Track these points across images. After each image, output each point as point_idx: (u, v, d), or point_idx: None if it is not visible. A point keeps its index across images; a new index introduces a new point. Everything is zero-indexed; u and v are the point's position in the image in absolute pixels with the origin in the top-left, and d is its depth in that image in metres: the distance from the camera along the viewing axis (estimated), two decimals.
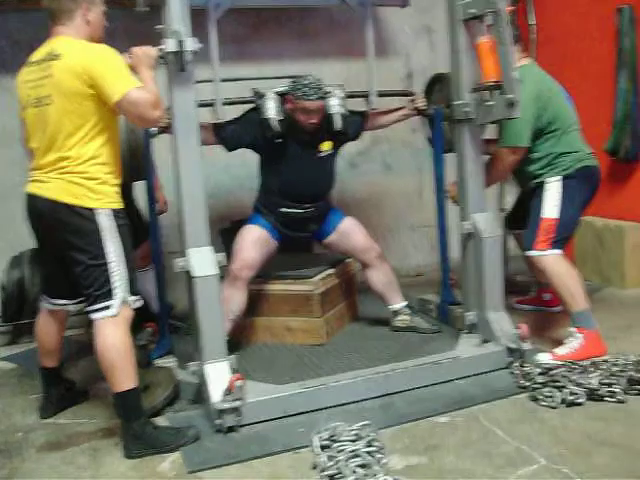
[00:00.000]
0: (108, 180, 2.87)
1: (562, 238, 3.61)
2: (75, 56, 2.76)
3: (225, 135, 3.73)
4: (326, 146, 3.86)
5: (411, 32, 5.63)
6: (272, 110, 3.68)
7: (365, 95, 4.22)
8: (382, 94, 4.18)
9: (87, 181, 2.81)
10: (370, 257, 4.00)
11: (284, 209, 3.84)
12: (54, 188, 2.82)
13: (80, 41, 2.84)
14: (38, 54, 2.89)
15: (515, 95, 3.15)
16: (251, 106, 3.81)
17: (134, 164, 3.56)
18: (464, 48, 3.52)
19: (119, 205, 2.92)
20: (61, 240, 2.85)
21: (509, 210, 4.38)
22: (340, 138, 3.92)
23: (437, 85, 4.13)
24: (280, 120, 3.68)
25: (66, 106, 2.77)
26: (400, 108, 4.09)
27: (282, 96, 3.73)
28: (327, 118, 3.79)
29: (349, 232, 4.01)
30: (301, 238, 4.03)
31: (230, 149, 3.82)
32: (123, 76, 2.75)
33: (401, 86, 4.82)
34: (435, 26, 5.55)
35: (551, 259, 3.58)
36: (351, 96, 3.98)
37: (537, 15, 5.54)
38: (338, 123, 3.79)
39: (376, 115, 4.11)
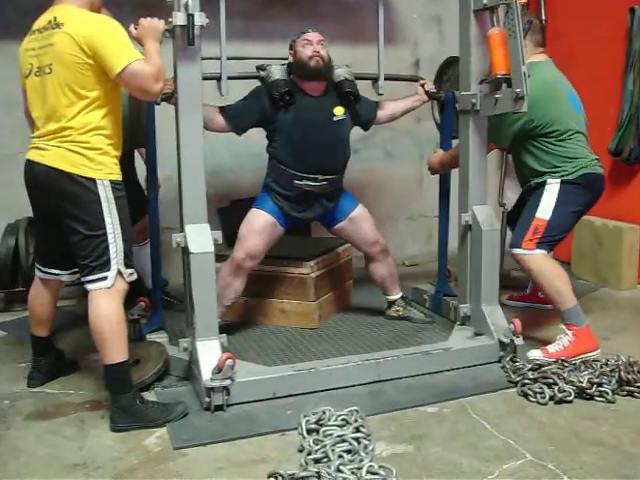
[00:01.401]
0: (109, 151, 2.86)
1: (549, 241, 3.57)
2: (77, 26, 2.74)
3: (234, 113, 3.64)
4: (339, 111, 3.76)
5: (421, 21, 5.62)
6: (277, 73, 3.67)
7: (373, 78, 4.17)
8: (390, 78, 4.13)
9: (88, 151, 2.79)
10: (375, 251, 3.96)
11: (297, 181, 3.69)
12: (54, 155, 2.80)
13: (83, 10, 2.82)
14: (40, 22, 2.87)
15: (523, 89, 3.12)
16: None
17: (135, 130, 3.49)
18: (474, 39, 3.49)
19: (118, 177, 2.91)
20: (58, 208, 2.83)
21: (511, 207, 4.35)
22: (351, 104, 3.81)
23: (449, 69, 4.13)
24: (285, 81, 3.65)
25: (66, 75, 2.75)
26: (410, 96, 4.05)
27: (285, 67, 3.72)
28: (335, 85, 3.75)
29: (360, 222, 3.92)
30: (308, 221, 3.97)
31: (239, 129, 3.70)
32: (125, 48, 2.73)
33: (408, 73, 4.79)
34: (445, 16, 5.54)
35: (535, 258, 3.54)
36: (358, 78, 3.93)
37: (547, 11, 5.51)
38: (346, 85, 3.73)
39: (387, 103, 4.03)
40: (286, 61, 3.75)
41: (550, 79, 3.65)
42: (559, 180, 3.58)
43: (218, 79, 3.65)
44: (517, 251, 3.60)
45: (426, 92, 4.02)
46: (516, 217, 4.07)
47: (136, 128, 3.46)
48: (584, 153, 3.64)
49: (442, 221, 4.28)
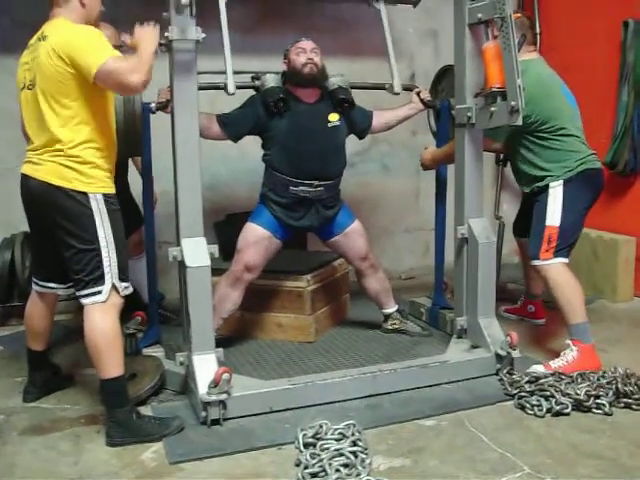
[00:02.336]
0: (101, 164, 2.86)
1: (566, 246, 3.56)
2: (57, 36, 2.75)
3: (229, 121, 3.66)
4: (334, 117, 3.77)
5: (416, 34, 5.64)
6: (272, 81, 3.69)
7: (368, 87, 4.19)
8: (383, 88, 4.13)
9: (79, 165, 2.79)
10: (365, 266, 3.95)
11: (293, 188, 3.68)
12: (47, 170, 2.81)
13: (67, 22, 2.82)
14: (35, 37, 2.89)
15: (518, 102, 3.13)
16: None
17: (130, 138, 3.46)
18: (469, 52, 3.51)
19: (111, 190, 2.91)
20: (52, 222, 2.83)
21: (515, 217, 4.35)
22: (346, 112, 3.81)
23: (444, 79, 4.14)
24: (280, 88, 3.66)
25: (49, 87, 2.76)
26: (405, 104, 4.05)
27: (280, 75, 3.74)
28: (330, 93, 3.76)
29: (354, 237, 3.91)
30: (305, 230, 3.97)
31: (234, 136, 3.71)
32: (99, 50, 2.70)
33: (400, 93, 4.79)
34: (440, 30, 5.56)
35: (554, 269, 3.54)
36: (354, 87, 3.94)
37: (542, 23, 5.54)
38: (340, 92, 3.74)
39: (383, 112, 4.03)
40: (281, 71, 3.76)
41: (544, 75, 3.66)
42: (561, 182, 3.56)
43: (214, 88, 3.64)
44: (536, 262, 3.59)
45: (421, 100, 4.02)
46: (521, 226, 4.06)
47: (131, 136, 3.44)
48: (583, 147, 3.64)
49: (438, 234, 4.28)
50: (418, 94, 4.03)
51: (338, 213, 3.89)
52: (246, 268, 3.65)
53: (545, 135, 3.57)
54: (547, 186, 3.59)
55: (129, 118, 3.43)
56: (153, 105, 3.50)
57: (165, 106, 3.43)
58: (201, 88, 3.20)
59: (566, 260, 3.58)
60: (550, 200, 3.57)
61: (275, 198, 3.73)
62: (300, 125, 3.68)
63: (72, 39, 2.73)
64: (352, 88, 3.89)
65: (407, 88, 4.09)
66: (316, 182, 3.71)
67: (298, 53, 3.67)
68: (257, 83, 3.76)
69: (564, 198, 3.55)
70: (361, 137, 4.08)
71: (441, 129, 4.15)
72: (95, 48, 2.70)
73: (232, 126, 3.68)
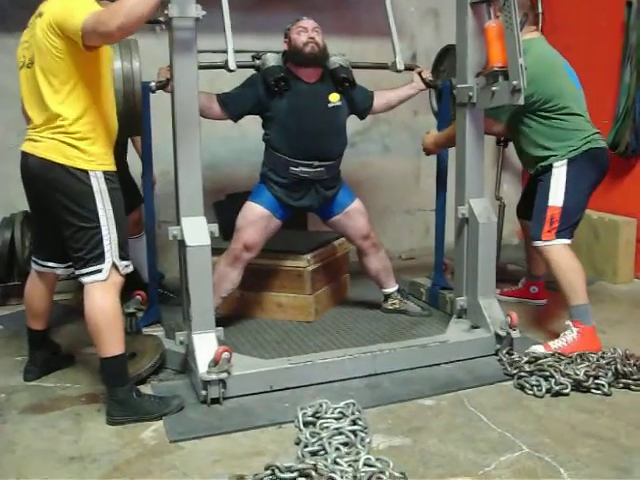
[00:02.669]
0: (100, 140, 2.84)
1: (567, 227, 3.55)
2: (50, 9, 2.73)
3: (229, 100, 3.65)
4: (334, 97, 3.76)
5: (418, 13, 5.61)
6: (272, 60, 3.68)
7: (370, 67, 4.17)
8: (387, 67, 4.10)
9: (79, 142, 2.77)
10: (367, 245, 3.95)
11: (293, 168, 3.67)
12: (46, 147, 2.79)
13: None
14: (33, 15, 2.87)
15: (519, 81, 3.11)
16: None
17: (130, 118, 3.41)
18: (471, 31, 3.49)
19: (111, 168, 2.90)
20: (52, 200, 2.82)
21: (519, 199, 4.34)
22: (347, 91, 3.80)
23: (446, 59, 4.12)
24: (280, 67, 3.65)
25: (47, 64, 2.74)
26: (406, 84, 4.04)
27: (281, 55, 3.73)
28: (331, 72, 3.75)
29: (356, 216, 3.91)
30: (305, 210, 3.96)
31: (235, 115, 3.70)
32: (82, 9, 2.63)
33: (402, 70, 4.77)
34: (442, 9, 5.53)
35: (556, 250, 3.53)
36: (355, 67, 3.92)
37: (544, 3, 5.50)
38: (341, 71, 3.73)
39: (384, 92, 4.02)
40: (282, 51, 3.74)
41: (546, 54, 3.64)
42: (565, 161, 3.53)
43: (215, 67, 3.61)
44: (538, 243, 3.58)
45: (423, 80, 4.01)
46: (524, 207, 4.04)
47: (131, 116, 3.42)
48: (587, 126, 3.61)
49: (439, 214, 4.28)
50: (420, 74, 4.01)
51: (338, 193, 3.88)
52: (245, 247, 3.65)
53: (548, 114, 3.54)
54: (551, 166, 3.57)
55: (128, 97, 3.40)
56: (153, 84, 3.47)
57: (165, 85, 3.42)
58: (202, 67, 3.18)
59: (568, 241, 3.57)
60: (553, 180, 3.55)
61: (275, 178, 3.72)
62: (300, 105, 3.67)
63: (59, 9, 2.69)
64: (353, 67, 3.87)
65: (409, 68, 4.06)
66: (316, 162, 3.69)
67: (299, 32, 3.65)
68: (258, 62, 3.74)
69: (568, 178, 3.53)
70: (362, 117, 4.06)
71: (443, 110, 4.13)
72: (78, 9, 2.64)
73: (232, 105, 3.66)
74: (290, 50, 3.69)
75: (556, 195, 3.54)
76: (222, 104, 3.64)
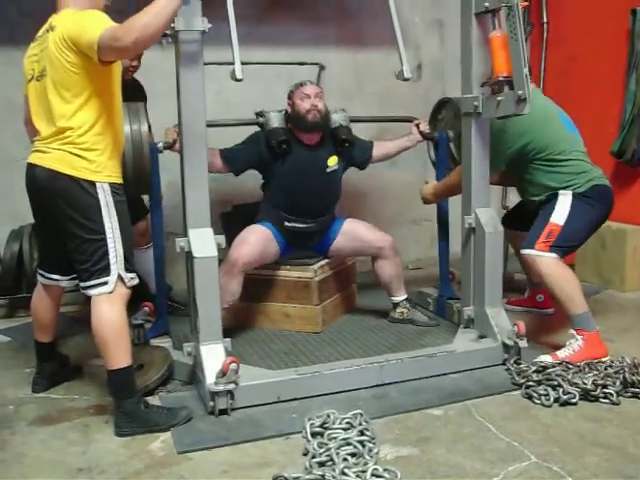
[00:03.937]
0: (108, 151, 2.85)
1: (561, 246, 3.52)
2: (64, 24, 2.74)
3: (232, 156, 3.82)
4: (332, 161, 3.91)
5: (422, 24, 5.62)
6: (275, 121, 3.81)
7: (369, 120, 4.39)
8: (383, 120, 4.24)
9: (87, 152, 2.78)
10: (384, 248, 4.00)
11: (287, 223, 3.87)
12: (54, 158, 2.80)
13: (74, 11, 2.79)
14: (42, 28, 2.89)
15: (525, 91, 3.12)
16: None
17: (138, 177, 3.47)
18: (476, 42, 3.50)
19: (118, 180, 2.91)
20: (58, 212, 2.83)
21: (510, 209, 4.36)
22: (346, 151, 3.96)
23: (444, 109, 4.19)
24: (284, 129, 3.78)
25: (59, 76, 2.75)
26: (405, 135, 4.18)
27: (283, 114, 3.86)
28: (331, 131, 3.89)
29: (353, 230, 4.01)
30: (304, 249, 4.05)
31: (237, 170, 3.89)
32: (97, 25, 2.63)
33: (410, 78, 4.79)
34: (447, 19, 5.54)
35: (546, 261, 3.49)
36: (354, 120, 4.10)
37: (549, 14, 5.51)
38: (342, 132, 3.88)
39: (383, 143, 4.20)
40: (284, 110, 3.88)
41: (540, 103, 3.63)
42: (571, 192, 3.56)
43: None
44: (529, 251, 3.54)
45: (420, 132, 4.13)
46: (513, 217, 4.08)
47: (139, 177, 3.47)
48: (589, 167, 3.65)
49: (440, 224, 4.32)
50: (417, 126, 4.14)
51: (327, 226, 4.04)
52: (241, 254, 3.70)
53: (548, 163, 3.60)
54: (557, 194, 3.59)
55: (137, 160, 3.45)
56: (160, 145, 3.56)
57: (172, 145, 3.53)
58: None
59: (558, 257, 3.53)
60: (558, 204, 3.57)
61: (270, 226, 3.88)
62: (299, 168, 3.83)
63: (73, 24, 2.71)
64: (353, 121, 4.04)
65: (407, 120, 4.18)
66: (310, 220, 3.89)
67: (302, 98, 3.79)
68: (261, 120, 3.88)
69: (573, 203, 3.55)
70: (362, 168, 4.24)
71: (440, 160, 4.22)
72: (92, 25, 2.65)
73: (234, 161, 3.85)
74: (293, 114, 3.82)
75: (559, 215, 3.54)
76: (225, 159, 3.81)
